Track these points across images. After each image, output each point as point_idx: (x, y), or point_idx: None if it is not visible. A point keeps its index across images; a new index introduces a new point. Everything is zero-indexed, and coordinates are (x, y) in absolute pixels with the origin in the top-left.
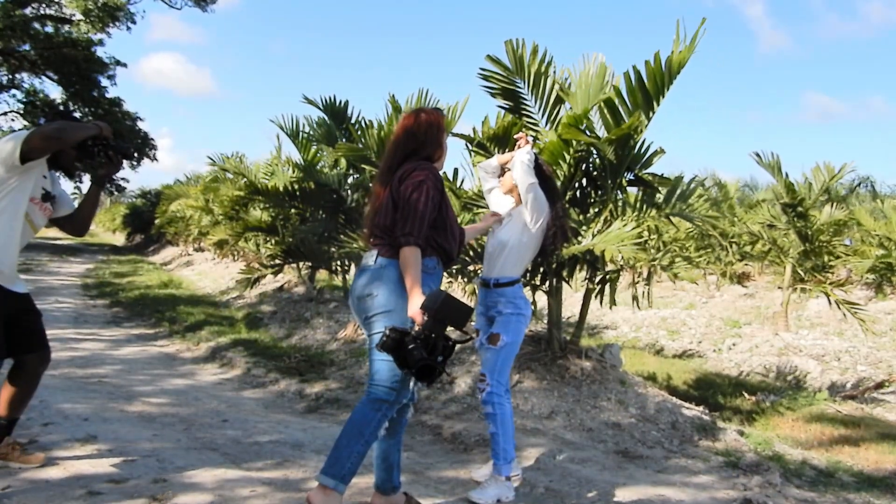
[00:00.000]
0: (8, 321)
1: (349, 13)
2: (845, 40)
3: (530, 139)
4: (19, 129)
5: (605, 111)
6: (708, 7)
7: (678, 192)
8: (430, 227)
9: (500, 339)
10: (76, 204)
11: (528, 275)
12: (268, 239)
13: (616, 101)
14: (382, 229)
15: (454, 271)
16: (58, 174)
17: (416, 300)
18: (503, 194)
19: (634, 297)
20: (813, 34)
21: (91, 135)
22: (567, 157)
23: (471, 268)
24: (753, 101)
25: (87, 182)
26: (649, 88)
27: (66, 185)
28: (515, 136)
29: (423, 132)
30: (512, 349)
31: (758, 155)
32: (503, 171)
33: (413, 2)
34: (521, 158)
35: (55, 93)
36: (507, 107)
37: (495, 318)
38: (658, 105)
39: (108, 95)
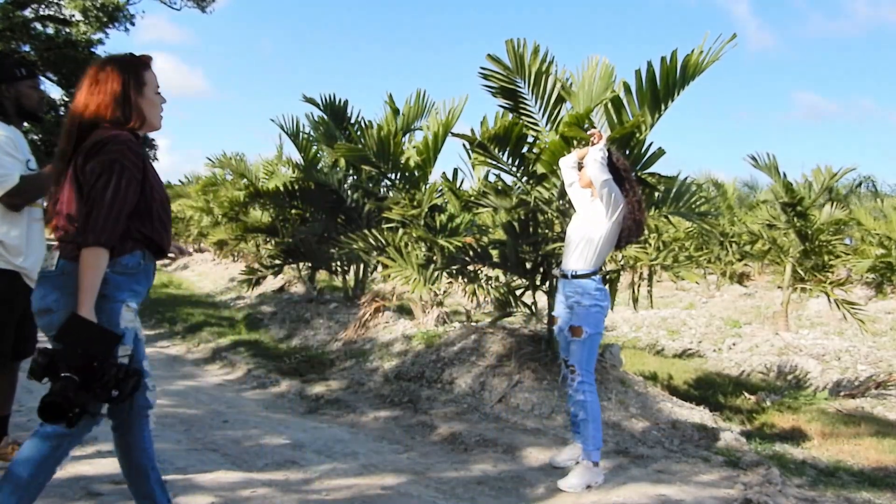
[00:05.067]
0: (19, 322)
1: (340, 11)
2: (832, 39)
3: (604, 135)
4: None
5: (611, 110)
6: (691, 6)
7: (674, 191)
8: (132, 217)
9: (584, 331)
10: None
11: (527, 274)
12: (268, 239)
13: (623, 98)
14: (67, 220)
15: (454, 272)
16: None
17: (87, 316)
18: (581, 188)
19: (635, 299)
20: (799, 33)
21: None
22: None
23: (470, 268)
24: (744, 99)
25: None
26: (660, 88)
27: None
28: (589, 133)
29: (109, 88)
30: (596, 340)
31: (754, 158)
32: (580, 165)
33: (411, 1)
34: (594, 156)
35: (55, 93)
36: (507, 106)
37: (574, 307)
38: (666, 107)
39: None
